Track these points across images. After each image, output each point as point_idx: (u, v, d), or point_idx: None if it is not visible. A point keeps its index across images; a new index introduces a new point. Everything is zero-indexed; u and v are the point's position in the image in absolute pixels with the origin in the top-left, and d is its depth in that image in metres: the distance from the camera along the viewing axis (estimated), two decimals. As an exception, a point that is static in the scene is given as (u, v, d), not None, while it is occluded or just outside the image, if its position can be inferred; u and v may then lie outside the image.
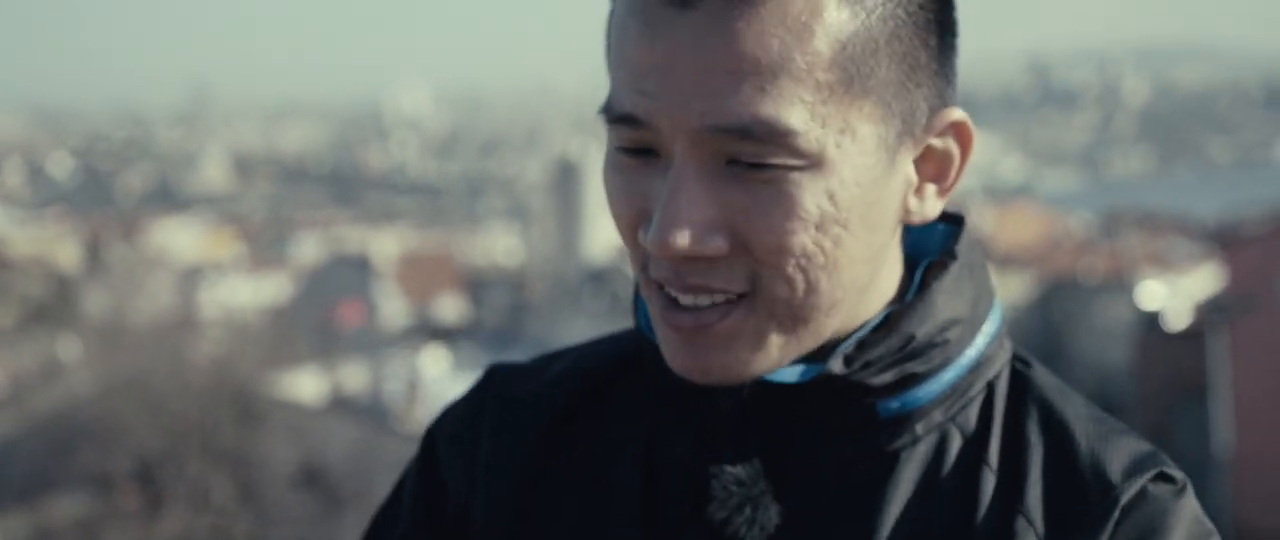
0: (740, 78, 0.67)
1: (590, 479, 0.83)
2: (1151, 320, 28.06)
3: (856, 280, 0.73)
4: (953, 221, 0.81)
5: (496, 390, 0.89)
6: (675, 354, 0.74)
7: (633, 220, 0.73)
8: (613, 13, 0.74)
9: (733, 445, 0.77)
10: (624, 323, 0.92)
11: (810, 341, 0.74)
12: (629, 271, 0.79)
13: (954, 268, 0.77)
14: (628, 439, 0.82)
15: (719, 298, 0.71)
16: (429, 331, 32.78)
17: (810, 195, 0.69)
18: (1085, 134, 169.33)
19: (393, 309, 37.44)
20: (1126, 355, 26.71)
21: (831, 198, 0.70)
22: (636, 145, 0.72)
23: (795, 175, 0.69)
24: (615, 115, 0.72)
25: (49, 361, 22.68)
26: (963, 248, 0.78)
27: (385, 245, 50.58)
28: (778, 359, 0.74)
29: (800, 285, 0.71)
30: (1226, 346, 20.62)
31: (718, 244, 0.70)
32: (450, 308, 41.77)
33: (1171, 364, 23.69)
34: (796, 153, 0.68)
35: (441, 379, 25.99)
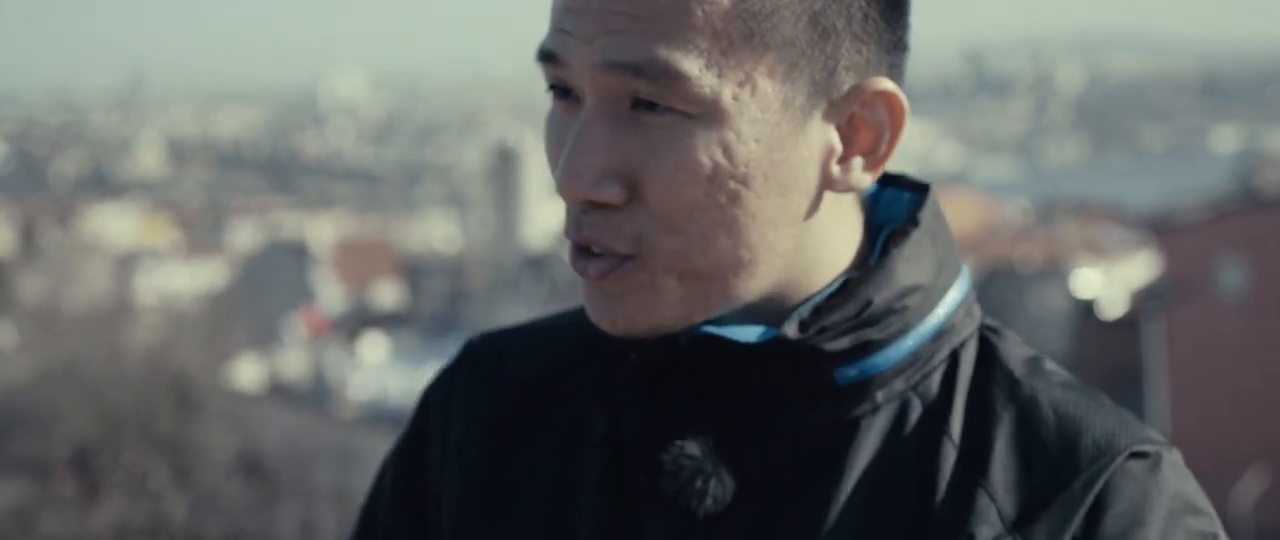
0: (640, 20, 0.69)
1: (558, 448, 0.83)
2: (1087, 308, 28.81)
3: (772, 244, 0.73)
4: (919, 191, 0.80)
5: (467, 358, 0.90)
6: (589, 306, 0.75)
7: (555, 161, 0.74)
8: None
9: (689, 418, 0.76)
10: (563, 309, 0.94)
11: (721, 301, 0.74)
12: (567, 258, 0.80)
13: (915, 235, 0.76)
14: (593, 410, 0.82)
15: (606, 249, 0.72)
16: (367, 319, 32.63)
17: (703, 146, 0.70)
18: (1020, 122, 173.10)
19: (330, 296, 37.14)
20: (1062, 343, 27.27)
21: (727, 151, 0.70)
22: (559, 83, 0.74)
23: (689, 123, 0.70)
24: (541, 54, 0.75)
25: (-16, 348, 22.38)
26: (925, 216, 0.77)
27: (322, 232, 50.78)
28: (683, 313, 0.73)
29: (693, 239, 0.71)
30: (1162, 334, 21.14)
31: (614, 191, 0.71)
32: (388, 295, 42.06)
33: (1107, 351, 24.19)
34: (690, 99, 0.69)
35: (380, 366, 25.95)
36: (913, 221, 0.77)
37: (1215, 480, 18.44)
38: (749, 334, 0.74)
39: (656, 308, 0.73)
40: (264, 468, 18.99)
